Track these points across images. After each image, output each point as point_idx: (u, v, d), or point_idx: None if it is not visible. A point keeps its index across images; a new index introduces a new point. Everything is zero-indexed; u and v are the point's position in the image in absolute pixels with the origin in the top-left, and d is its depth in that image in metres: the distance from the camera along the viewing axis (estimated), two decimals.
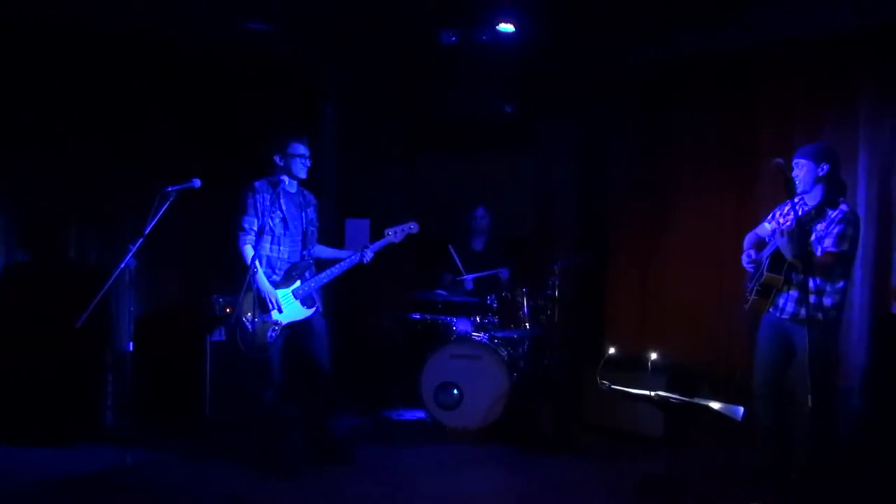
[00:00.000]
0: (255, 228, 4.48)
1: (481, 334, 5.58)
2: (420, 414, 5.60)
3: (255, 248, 4.42)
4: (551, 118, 7.02)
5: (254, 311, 4.38)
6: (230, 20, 6.12)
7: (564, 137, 6.92)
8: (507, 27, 6.07)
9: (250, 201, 4.51)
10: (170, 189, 4.55)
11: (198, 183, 4.70)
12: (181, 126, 6.06)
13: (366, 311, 6.94)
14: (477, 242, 6.29)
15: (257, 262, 4.40)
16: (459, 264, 6.05)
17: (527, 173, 6.91)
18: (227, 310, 5.29)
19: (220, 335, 5.50)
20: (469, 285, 6.03)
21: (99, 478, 4.45)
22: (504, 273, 6.11)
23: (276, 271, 4.54)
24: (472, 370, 5.39)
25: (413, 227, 4.84)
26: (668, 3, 5.75)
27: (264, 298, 4.42)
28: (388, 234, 4.77)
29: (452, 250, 6.14)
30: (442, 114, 6.85)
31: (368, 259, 4.69)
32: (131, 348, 4.77)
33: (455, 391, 5.41)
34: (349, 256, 4.68)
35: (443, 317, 6.02)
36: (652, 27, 6.21)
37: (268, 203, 4.49)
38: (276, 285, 4.50)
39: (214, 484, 4.37)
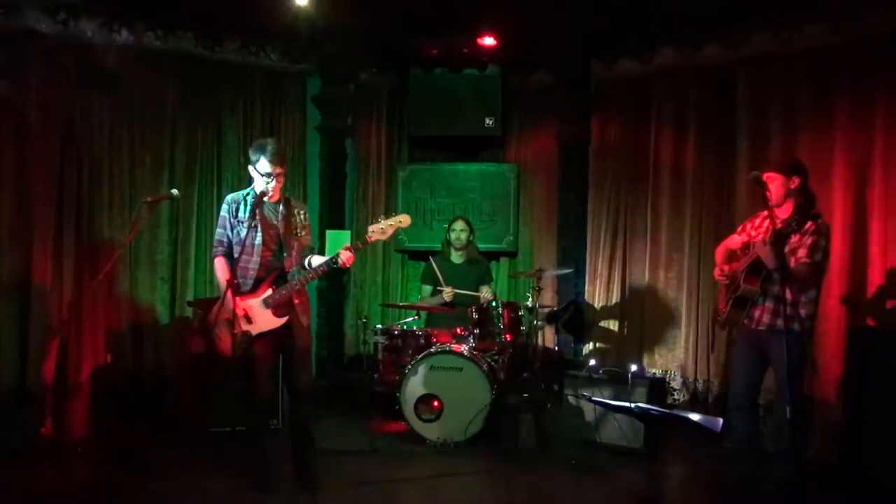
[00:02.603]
0: (226, 241, 4.46)
1: (462, 346, 5.58)
2: (400, 426, 5.57)
3: (228, 259, 4.42)
4: (531, 130, 7.08)
5: (223, 322, 4.32)
6: (214, 30, 6.15)
7: (544, 149, 6.98)
8: (488, 40, 6.13)
9: (223, 214, 4.49)
10: (149, 199, 4.52)
11: (177, 193, 4.68)
12: (161, 135, 6.04)
13: (344, 322, 6.94)
14: (457, 254, 6.29)
15: (226, 274, 4.36)
16: (440, 276, 6.05)
17: (507, 185, 6.93)
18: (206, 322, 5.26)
19: (200, 346, 5.46)
20: (447, 294, 6.02)
21: (77, 492, 4.40)
22: (486, 291, 6.09)
23: (248, 280, 4.42)
24: (452, 382, 5.37)
25: (404, 219, 4.47)
26: (648, 17, 5.84)
27: (231, 311, 4.28)
28: (372, 233, 4.44)
29: (433, 262, 6.14)
30: (424, 126, 6.88)
31: (346, 261, 4.36)
32: (110, 360, 4.72)
33: (435, 403, 5.40)
34: (325, 261, 4.42)
35: (423, 328, 6.02)
36: (631, 41, 6.31)
37: (238, 214, 4.45)
38: (246, 295, 4.39)
39: (194, 497, 4.33)
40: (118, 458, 4.90)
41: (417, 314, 6.27)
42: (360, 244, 4.45)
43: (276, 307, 4.40)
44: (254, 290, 4.41)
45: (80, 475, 4.59)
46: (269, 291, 4.40)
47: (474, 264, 6.28)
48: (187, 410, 5.41)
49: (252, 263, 4.41)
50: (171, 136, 6.09)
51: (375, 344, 5.88)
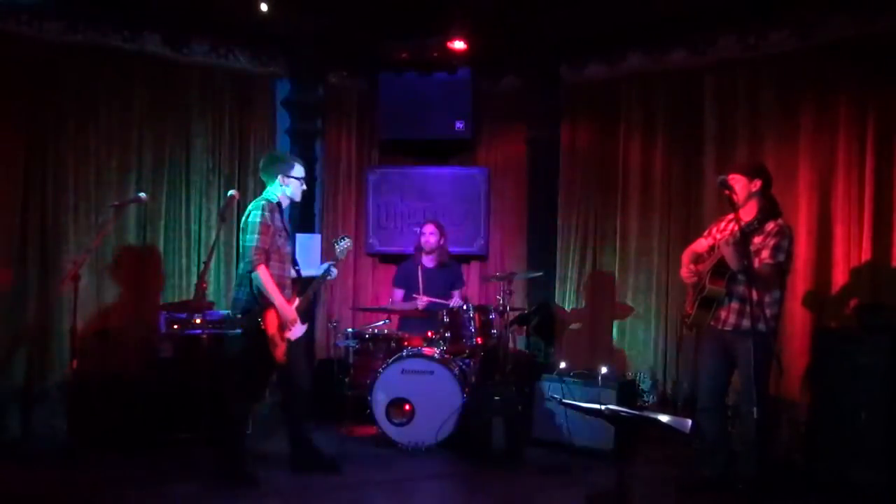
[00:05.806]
0: (268, 248, 4.44)
1: (433, 349, 5.57)
2: (371, 430, 5.56)
3: (269, 268, 4.45)
4: (501, 134, 7.10)
5: (279, 329, 4.47)
6: (181, 32, 6.10)
7: (514, 153, 7.01)
8: (458, 44, 6.15)
9: (265, 223, 4.43)
10: (117, 203, 4.47)
11: (145, 197, 4.62)
12: (127, 138, 5.97)
13: (315, 325, 6.90)
14: (428, 259, 6.29)
15: (275, 284, 4.44)
16: (419, 282, 6.04)
17: (477, 189, 6.94)
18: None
19: (168, 352, 5.41)
20: (421, 302, 6.02)
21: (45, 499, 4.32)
22: (456, 301, 6.07)
23: (286, 290, 4.57)
24: (423, 386, 5.37)
25: (350, 243, 5.02)
26: (616, 22, 5.89)
27: (285, 319, 4.49)
28: (339, 254, 4.94)
29: (410, 267, 6.11)
30: (394, 129, 6.88)
31: (334, 275, 4.87)
32: (75, 366, 4.65)
33: (407, 407, 5.39)
34: (321, 274, 4.78)
35: (394, 331, 6.01)
36: (600, 46, 6.36)
37: (278, 223, 4.51)
38: (287, 302, 4.56)
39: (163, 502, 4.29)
40: (87, 464, 4.82)
41: (388, 318, 6.25)
42: (335, 263, 4.87)
43: (302, 314, 4.66)
44: (290, 297, 4.61)
45: (48, 483, 4.51)
46: (297, 300, 4.66)
47: (446, 268, 6.28)
48: (154, 416, 5.33)
49: (287, 272, 4.62)
50: (137, 139, 6.01)
51: (346, 347, 5.87)
